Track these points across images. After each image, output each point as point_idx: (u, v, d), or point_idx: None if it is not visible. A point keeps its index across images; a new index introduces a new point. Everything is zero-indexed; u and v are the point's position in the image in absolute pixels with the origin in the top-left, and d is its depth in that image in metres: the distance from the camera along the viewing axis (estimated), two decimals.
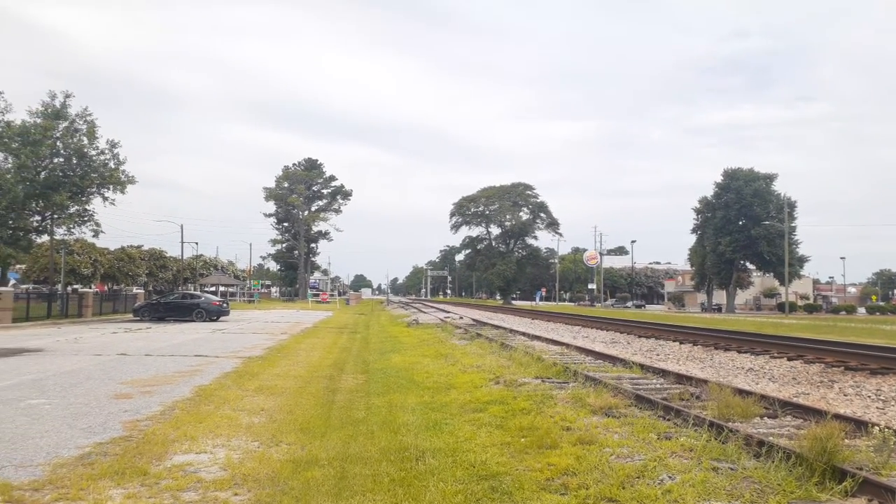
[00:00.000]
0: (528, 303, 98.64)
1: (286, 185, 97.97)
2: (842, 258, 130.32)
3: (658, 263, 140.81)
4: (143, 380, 12.00)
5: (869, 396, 10.74)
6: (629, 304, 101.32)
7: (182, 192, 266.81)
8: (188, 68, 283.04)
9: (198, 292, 46.64)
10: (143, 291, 52.07)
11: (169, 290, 59.52)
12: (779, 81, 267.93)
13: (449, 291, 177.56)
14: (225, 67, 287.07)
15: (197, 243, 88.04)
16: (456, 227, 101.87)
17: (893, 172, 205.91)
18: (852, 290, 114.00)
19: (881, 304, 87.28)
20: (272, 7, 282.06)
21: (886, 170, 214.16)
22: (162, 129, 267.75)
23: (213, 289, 76.24)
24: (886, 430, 6.42)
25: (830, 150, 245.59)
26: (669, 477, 5.65)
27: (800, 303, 78.66)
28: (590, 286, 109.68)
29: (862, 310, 78.77)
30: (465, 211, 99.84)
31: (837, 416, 7.61)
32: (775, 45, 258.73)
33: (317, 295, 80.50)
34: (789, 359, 15.19)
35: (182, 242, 69.13)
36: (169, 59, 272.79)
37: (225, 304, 36.72)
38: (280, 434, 7.65)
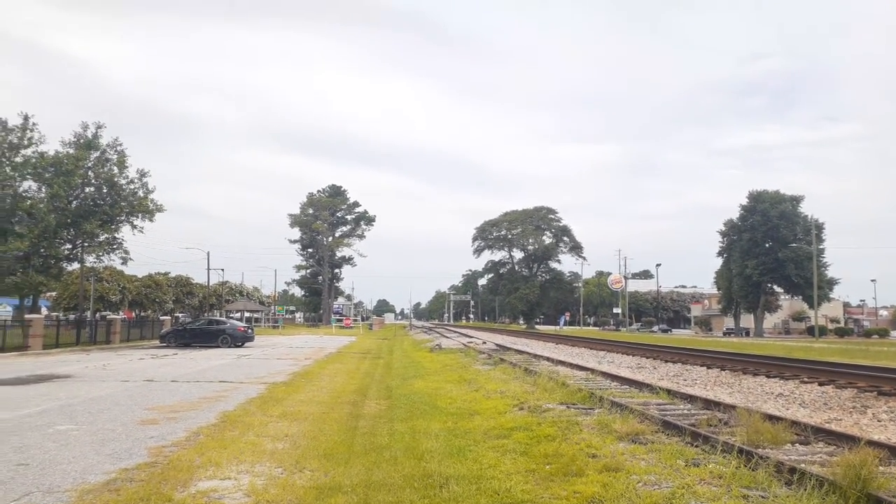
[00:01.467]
0: (551, 327, 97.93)
1: (311, 211, 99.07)
2: (872, 280, 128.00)
3: (684, 287, 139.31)
4: (168, 406, 12.09)
5: None
6: (655, 328, 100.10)
7: (208, 220, 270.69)
8: (213, 96, 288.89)
9: (223, 318, 47.07)
10: (169, 318, 52.68)
11: (195, 317, 60.15)
12: (802, 102, 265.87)
13: (472, 316, 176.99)
14: (249, 95, 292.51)
15: (223, 270, 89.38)
16: (478, 252, 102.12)
17: None
18: (884, 313, 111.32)
19: None
20: (294, 34, 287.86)
21: None
22: (187, 157, 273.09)
23: (238, 315, 76.91)
24: None
25: (858, 171, 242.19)
26: None
27: (830, 326, 77.06)
28: (614, 310, 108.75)
29: (895, 333, 76.88)
30: (487, 235, 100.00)
31: (871, 443, 7.41)
32: (797, 65, 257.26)
33: (340, 320, 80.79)
34: (820, 384, 14.86)
35: (208, 269, 70.04)
36: (193, 88, 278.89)
37: (250, 330, 36.98)
38: (304, 460, 7.64)
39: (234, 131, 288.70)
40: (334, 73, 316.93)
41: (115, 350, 31.53)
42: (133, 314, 62.04)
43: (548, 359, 24.60)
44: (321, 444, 8.55)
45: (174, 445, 8.44)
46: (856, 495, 5.39)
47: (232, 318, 64.82)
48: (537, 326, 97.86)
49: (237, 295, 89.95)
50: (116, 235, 41.81)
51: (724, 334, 79.05)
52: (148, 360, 24.00)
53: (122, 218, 41.33)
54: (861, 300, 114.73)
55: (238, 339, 34.33)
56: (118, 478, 6.76)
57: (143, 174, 41.80)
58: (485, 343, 38.25)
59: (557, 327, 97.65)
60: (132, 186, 41.53)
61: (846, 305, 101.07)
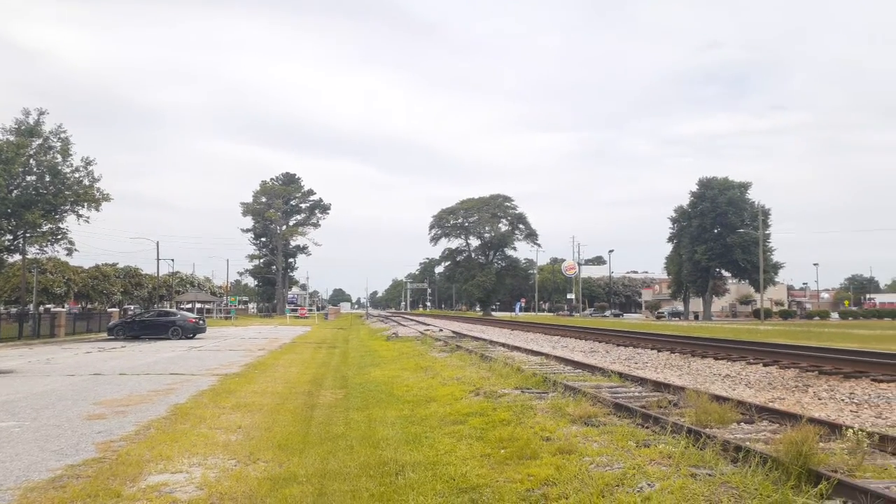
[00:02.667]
0: (507, 314, 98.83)
1: (264, 199, 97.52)
2: (815, 264, 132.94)
3: (635, 272, 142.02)
4: (117, 400, 11.79)
5: (843, 400, 10.90)
6: (607, 313, 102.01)
7: (159, 209, 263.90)
8: (172, 84, 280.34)
9: (174, 310, 46.07)
10: (117, 310, 51.28)
11: (145, 309, 58.73)
12: (753, 91, 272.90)
13: (429, 304, 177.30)
14: (209, 83, 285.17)
15: (173, 260, 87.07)
16: (435, 240, 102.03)
17: (866, 180, 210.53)
18: (826, 295, 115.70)
19: (854, 308, 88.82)
20: (257, 21, 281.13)
21: (859, 177, 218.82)
22: (142, 146, 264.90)
23: (189, 306, 75.36)
24: (860, 432, 6.50)
25: (804, 159, 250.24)
26: (648, 485, 5.67)
27: (775, 309, 79.71)
28: (568, 296, 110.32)
29: (835, 315, 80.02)
30: (444, 223, 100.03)
31: (812, 420, 7.70)
32: (750, 55, 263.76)
33: (295, 310, 79.97)
34: (765, 364, 15.37)
35: (158, 259, 68.32)
36: (149, 76, 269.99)
37: (201, 321, 36.29)
38: (257, 451, 7.56)
39: (191, 120, 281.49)
40: (295, 61, 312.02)
41: (60, 344, 30.56)
42: (79, 306, 60.19)
43: (503, 345, 24.83)
44: (275, 435, 8.46)
45: (123, 440, 8.24)
46: (797, 471, 5.58)
47: (183, 309, 63.49)
48: (493, 313, 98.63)
49: (188, 286, 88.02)
50: (60, 225, 40.33)
51: (657, 317, 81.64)
52: (95, 354, 23.34)
53: (67, 207, 39.88)
54: (804, 283, 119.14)
55: (189, 331, 33.67)
56: (64, 474, 6.57)
57: (88, 162, 40.33)
58: (441, 330, 38.38)
59: (513, 313, 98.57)
60: (77, 175, 40.05)
61: (790, 289, 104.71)
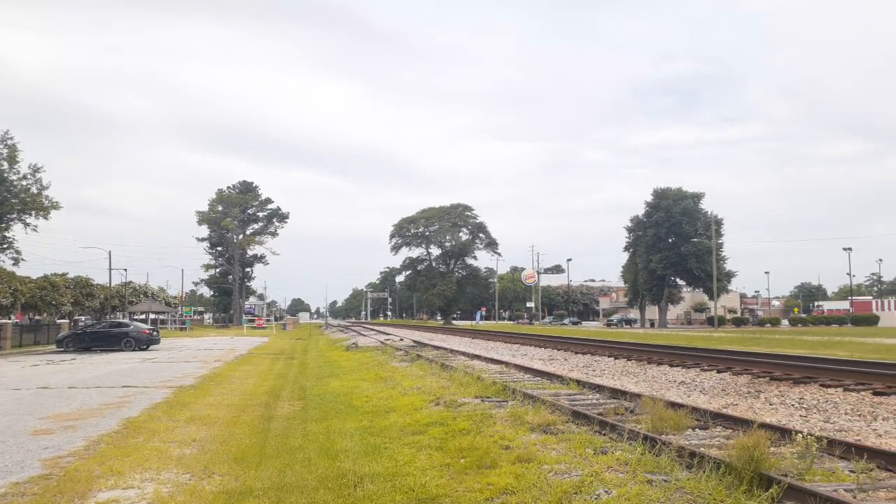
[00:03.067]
0: (468, 322, 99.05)
1: (220, 208, 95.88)
2: (766, 273, 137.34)
3: (593, 281, 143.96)
4: (65, 414, 11.42)
5: (793, 405, 11.20)
6: (566, 321, 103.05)
7: (112, 217, 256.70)
8: (125, 91, 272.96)
9: (126, 320, 44.89)
10: (67, 321, 49.72)
11: (96, 320, 57.08)
12: (706, 103, 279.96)
13: (389, 313, 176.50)
14: (163, 90, 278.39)
15: (126, 270, 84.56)
16: (396, 249, 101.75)
17: (814, 191, 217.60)
18: (776, 303, 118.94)
19: (803, 315, 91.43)
20: (213, 30, 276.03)
21: (808, 188, 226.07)
22: (94, 154, 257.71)
23: (143, 316, 73.47)
24: (809, 437, 6.69)
25: (756, 169, 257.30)
26: (606, 492, 5.74)
27: (728, 316, 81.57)
28: (528, 304, 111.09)
29: (785, 322, 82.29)
30: (405, 232, 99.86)
31: (764, 426, 7.89)
32: (703, 68, 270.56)
33: (252, 321, 78.59)
34: (718, 371, 15.71)
35: (110, 269, 66.60)
36: (105, 82, 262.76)
37: (155, 332, 35.42)
38: (213, 465, 7.40)
39: (147, 128, 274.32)
40: (254, 69, 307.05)
41: (5, 356, 29.46)
42: (25, 317, 58.14)
43: (464, 353, 24.86)
44: (231, 448, 8.30)
45: (72, 455, 7.98)
46: (749, 475, 5.72)
47: (136, 320, 61.90)
48: (454, 322, 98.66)
49: (142, 296, 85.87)
50: (6, 234, 39.08)
51: (608, 325, 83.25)
52: (43, 367, 22.56)
53: (14, 216, 38.67)
54: (756, 291, 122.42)
55: (143, 342, 32.83)
56: (8, 492, 6.33)
57: (36, 169, 39.34)
58: (402, 340, 38.23)
59: (474, 322, 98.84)
60: (24, 182, 38.93)
61: (742, 296, 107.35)
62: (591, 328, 74.21)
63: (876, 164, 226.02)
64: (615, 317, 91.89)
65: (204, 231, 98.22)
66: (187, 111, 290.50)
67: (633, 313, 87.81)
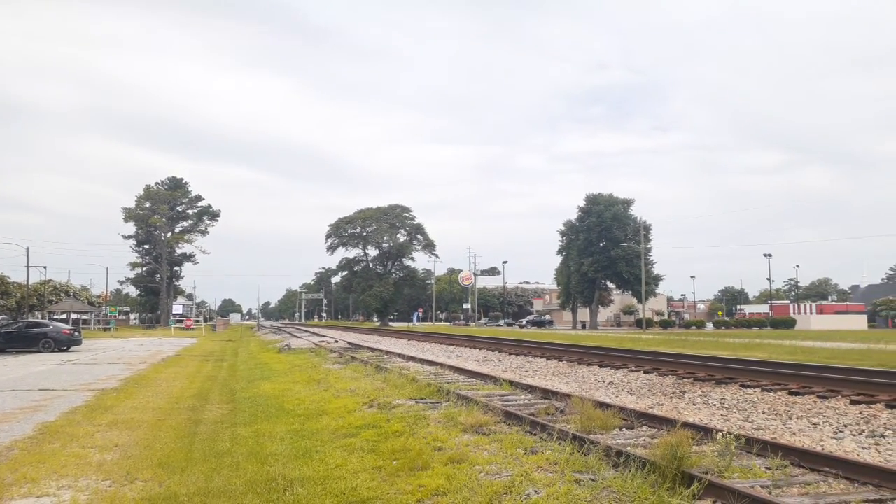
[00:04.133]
0: (405, 324, 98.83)
1: (148, 205, 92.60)
2: (692, 277, 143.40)
3: (528, 283, 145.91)
4: None
5: (714, 405, 11.65)
6: (501, 322, 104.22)
7: (29, 212, 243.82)
8: (45, 80, 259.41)
9: (45, 321, 42.83)
10: None
11: (13, 319, 54.23)
12: (636, 112, 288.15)
13: (325, 314, 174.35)
14: (87, 80, 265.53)
15: (45, 267, 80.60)
16: (332, 249, 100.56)
17: (736, 199, 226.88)
18: (701, 306, 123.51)
19: (726, 318, 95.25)
20: (142, 20, 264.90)
21: (730, 196, 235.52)
22: (10, 145, 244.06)
23: (63, 316, 70.25)
24: (728, 435, 6.97)
25: (682, 177, 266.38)
26: (535, 491, 5.82)
27: (655, 319, 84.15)
28: (465, 306, 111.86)
29: (710, 324, 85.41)
30: (341, 232, 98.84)
31: (687, 425, 8.18)
32: (634, 78, 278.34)
33: (180, 321, 76.31)
34: (645, 372, 16.18)
35: (28, 266, 63.40)
36: (24, 70, 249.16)
37: (77, 333, 33.88)
38: (135, 470, 7.14)
39: (64, 118, 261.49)
40: (187, 62, 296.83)
41: None
42: None
43: (399, 355, 24.80)
44: (155, 453, 8.03)
45: None
46: (672, 473, 5.91)
47: (56, 320, 59.14)
48: (391, 323, 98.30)
49: (62, 295, 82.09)
50: None
51: (520, 326, 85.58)
52: None
53: None
54: (682, 295, 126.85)
55: (63, 343, 31.34)
56: None
57: None
58: (337, 342, 37.83)
59: (411, 324, 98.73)
60: None
61: (669, 299, 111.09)
62: (526, 329, 75.32)
63: (793, 174, 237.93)
64: (528, 318, 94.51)
65: (130, 228, 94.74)
66: (112, 103, 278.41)
67: (555, 315, 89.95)
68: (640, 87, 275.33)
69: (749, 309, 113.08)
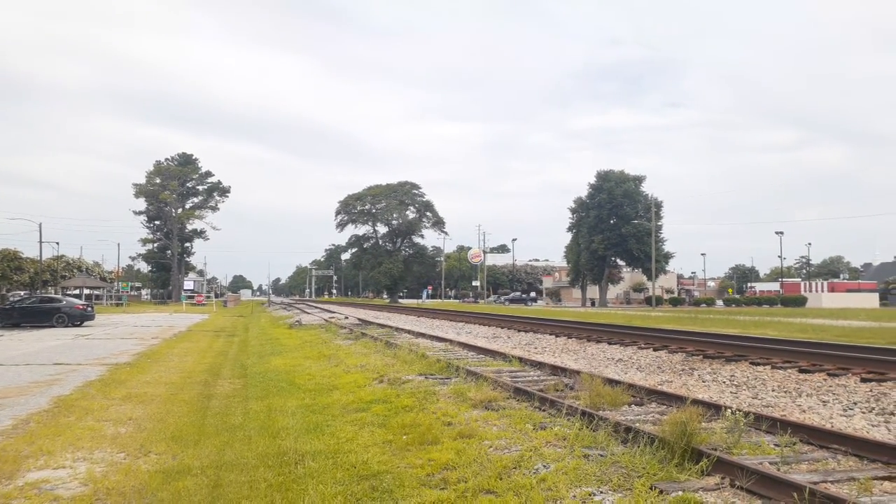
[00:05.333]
0: (414, 301, 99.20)
1: (158, 181, 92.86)
2: (703, 254, 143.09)
3: (537, 261, 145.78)
4: None
5: (724, 382, 11.65)
6: (506, 298, 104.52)
7: (42, 189, 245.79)
8: (59, 58, 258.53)
9: (59, 296, 43.26)
10: None
11: (29, 294, 54.80)
12: (649, 88, 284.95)
13: (335, 291, 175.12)
14: (100, 58, 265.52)
15: (58, 243, 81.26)
16: (342, 226, 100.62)
17: (748, 176, 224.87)
18: (712, 284, 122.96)
19: (736, 296, 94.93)
20: None
21: (742, 173, 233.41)
22: (25, 122, 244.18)
23: (76, 292, 70.95)
24: (738, 412, 6.97)
25: (694, 154, 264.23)
26: (544, 466, 5.87)
27: (665, 296, 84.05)
28: (474, 283, 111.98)
29: (720, 302, 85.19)
30: (350, 209, 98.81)
31: (696, 402, 8.19)
32: (648, 54, 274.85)
33: (191, 297, 76.94)
34: (655, 349, 16.19)
35: (41, 242, 63.92)
36: (39, 49, 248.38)
37: (90, 308, 34.24)
38: (149, 444, 7.24)
39: (78, 95, 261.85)
40: (200, 40, 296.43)
41: None
42: None
43: (409, 331, 24.91)
44: (169, 427, 8.14)
45: None
46: (681, 449, 5.93)
47: (69, 295, 59.73)
48: (400, 300, 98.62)
49: (75, 270, 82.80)
50: None
51: (503, 302, 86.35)
52: None
53: None
54: (692, 272, 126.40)
55: (76, 318, 31.69)
56: None
57: None
58: (347, 318, 38.03)
59: (420, 301, 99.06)
60: None
61: (679, 277, 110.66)
62: (536, 307, 75.41)
63: (806, 153, 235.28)
64: (512, 294, 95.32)
65: (141, 204, 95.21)
66: (125, 80, 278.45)
67: (564, 293, 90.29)
68: (654, 63, 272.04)
69: (760, 287, 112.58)
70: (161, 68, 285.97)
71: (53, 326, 30.33)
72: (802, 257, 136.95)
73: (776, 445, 6.58)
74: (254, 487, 5.58)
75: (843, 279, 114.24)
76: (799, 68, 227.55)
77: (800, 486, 4.90)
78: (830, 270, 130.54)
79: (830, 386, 10.44)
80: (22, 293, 58.70)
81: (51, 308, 31.83)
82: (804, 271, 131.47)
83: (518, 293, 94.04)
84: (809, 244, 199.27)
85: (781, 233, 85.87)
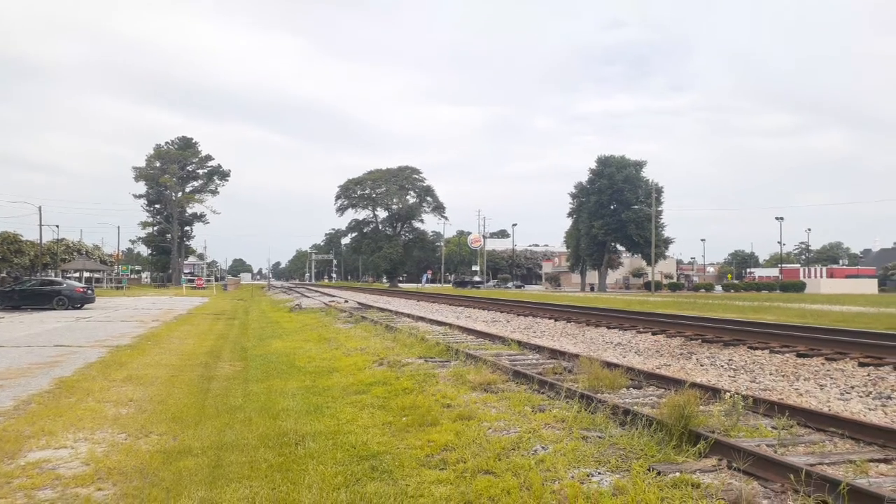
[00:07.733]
0: (414, 285, 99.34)
1: (158, 164, 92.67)
2: (702, 240, 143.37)
3: (537, 246, 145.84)
4: None
5: (722, 366, 11.69)
6: (510, 284, 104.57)
7: (42, 171, 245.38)
8: (59, 38, 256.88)
9: (59, 279, 43.33)
10: None
11: (29, 277, 54.82)
12: (653, 71, 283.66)
13: (335, 275, 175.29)
14: (100, 39, 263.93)
15: (58, 226, 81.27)
16: (342, 210, 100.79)
17: (749, 161, 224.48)
18: (711, 269, 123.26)
19: (735, 282, 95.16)
20: None
21: (743, 159, 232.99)
22: (24, 104, 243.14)
23: (76, 275, 71.03)
24: (736, 395, 7.00)
25: (696, 140, 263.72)
26: (542, 447, 5.90)
27: (664, 281, 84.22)
28: (474, 268, 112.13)
29: (719, 287, 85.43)
30: (351, 194, 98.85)
31: (694, 385, 8.22)
32: (652, 36, 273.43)
33: (191, 280, 77.09)
34: (654, 333, 16.24)
35: (41, 224, 63.84)
36: (39, 28, 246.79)
37: (90, 291, 34.31)
38: (150, 424, 7.28)
39: (83, 78, 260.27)
40: (201, 22, 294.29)
41: None
42: None
43: (409, 315, 24.96)
44: (169, 408, 8.18)
45: None
46: (679, 432, 5.96)
47: (69, 278, 59.81)
48: (400, 285, 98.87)
49: (75, 253, 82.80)
50: None
51: (455, 285, 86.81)
52: None
53: None
54: (692, 258, 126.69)
55: (76, 301, 31.80)
56: None
57: None
58: (347, 302, 38.09)
59: (420, 285, 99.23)
60: None
61: (679, 262, 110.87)
62: (534, 291, 75.55)
63: (807, 137, 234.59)
64: (474, 278, 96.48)
65: (141, 188, 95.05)
66: (123, 62, 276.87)
67: (564, 277, 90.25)
68: (658, 45, 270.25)
69: (759, 272, 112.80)
70: (161, 50, 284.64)
71: (54, 309, 30.42)
72: (802, 243, 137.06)
73: (774, 428, 6.62)
74: (254, 468, 5.62)
75: (843, 265, 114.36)
76: (804, 51, 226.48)
77: (796, 467, 4.93)
78: (830, 256, 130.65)
79: (828, 370, 10.48)
80: (19, 275, 58.66)
81: (51, 291, 31.92)
82: (803, 257, 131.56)
83: (477, 277, 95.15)
84: (809, 230, 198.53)
85: (781, 218, 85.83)
